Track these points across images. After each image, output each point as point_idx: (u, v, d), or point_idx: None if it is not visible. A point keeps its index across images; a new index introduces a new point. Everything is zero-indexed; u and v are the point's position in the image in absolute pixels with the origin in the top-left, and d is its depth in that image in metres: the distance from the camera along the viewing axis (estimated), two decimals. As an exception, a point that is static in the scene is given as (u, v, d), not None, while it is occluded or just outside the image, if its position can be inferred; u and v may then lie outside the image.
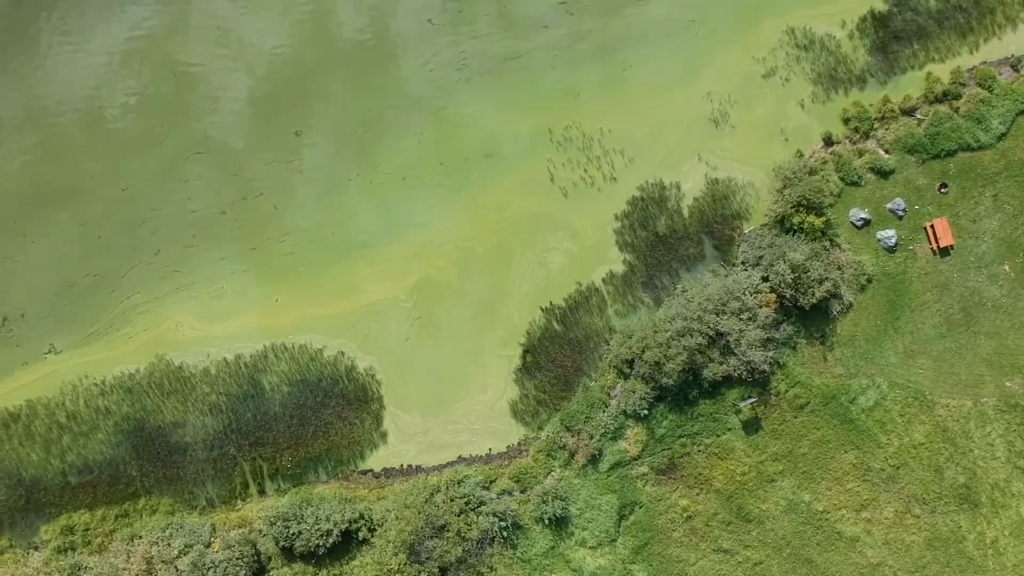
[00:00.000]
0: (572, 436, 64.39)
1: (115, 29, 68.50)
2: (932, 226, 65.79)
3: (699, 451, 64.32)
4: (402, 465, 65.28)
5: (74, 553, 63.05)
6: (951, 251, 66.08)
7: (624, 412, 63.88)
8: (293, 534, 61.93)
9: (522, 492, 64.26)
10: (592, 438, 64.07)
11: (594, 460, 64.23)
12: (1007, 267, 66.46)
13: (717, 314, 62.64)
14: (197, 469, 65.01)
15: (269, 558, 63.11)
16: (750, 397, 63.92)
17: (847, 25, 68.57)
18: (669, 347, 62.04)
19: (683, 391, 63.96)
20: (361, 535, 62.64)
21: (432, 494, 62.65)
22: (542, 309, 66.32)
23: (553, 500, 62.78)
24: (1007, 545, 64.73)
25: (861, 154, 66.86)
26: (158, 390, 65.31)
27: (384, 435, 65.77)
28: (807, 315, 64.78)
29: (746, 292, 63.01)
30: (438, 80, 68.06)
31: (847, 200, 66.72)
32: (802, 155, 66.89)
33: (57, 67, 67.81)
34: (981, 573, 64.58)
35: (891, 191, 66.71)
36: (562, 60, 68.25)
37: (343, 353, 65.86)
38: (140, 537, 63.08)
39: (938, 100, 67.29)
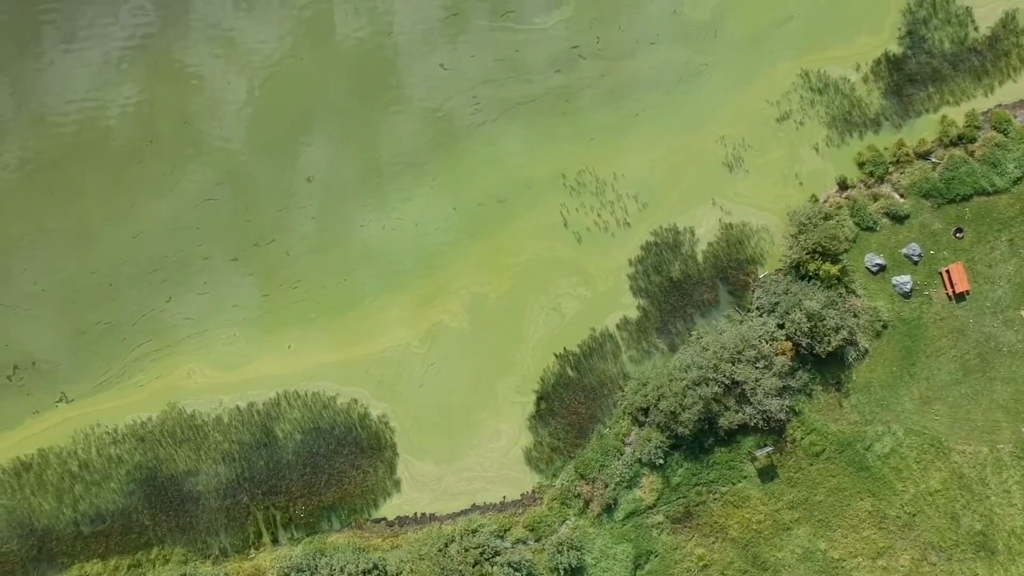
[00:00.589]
0: (587, 484, 65.22)
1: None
2: (948, 271, 66.66)
3: (715, 499, 65.15)
4: (416, 513, 66.13)
5: (87, 604, 64.11)
6: (967, 296, 66.97)
7: (639, 460, 64.72)
8: (307, 585, 62.87)
9: (537, 541, 65.10)
10: (607, 486, 64.91)
11: (609, 509, 65.06)
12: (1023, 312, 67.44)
13: (733, 362, 63.48)
14: (210, 518, 65.86)
15: (283, 608, 64.09)
16: (766, 446, 64.76)
17: (861, 68, 69.51)
18: (685, 396, 62.91)
19: (698, 439, 64.82)
20: (376, 586, 63.66)
21: (446, 544, 63.47)
22: (556, 355, 67.19)
23: (568, 550, 63.59)
24: (1024, 592, 65.78)
25: (876, 198, 67.75)
26: (170, 438, 66.17)
27: (397, 483, 66.62)
28: (822, 361, 65.63)
29: (762, 340, 63.87)
30: (450, 125, 68.96)
31: (862, 245, 67.59)
32: (817, 200, 67.83)
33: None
34: (998, 620, 65.66)
35: (906, 236, 67.60)
36: (575, 104, 69.16)
37: (356, 400, 66.72)
38: (153, 588, 64.16)
39: (953, 144, 68.19)
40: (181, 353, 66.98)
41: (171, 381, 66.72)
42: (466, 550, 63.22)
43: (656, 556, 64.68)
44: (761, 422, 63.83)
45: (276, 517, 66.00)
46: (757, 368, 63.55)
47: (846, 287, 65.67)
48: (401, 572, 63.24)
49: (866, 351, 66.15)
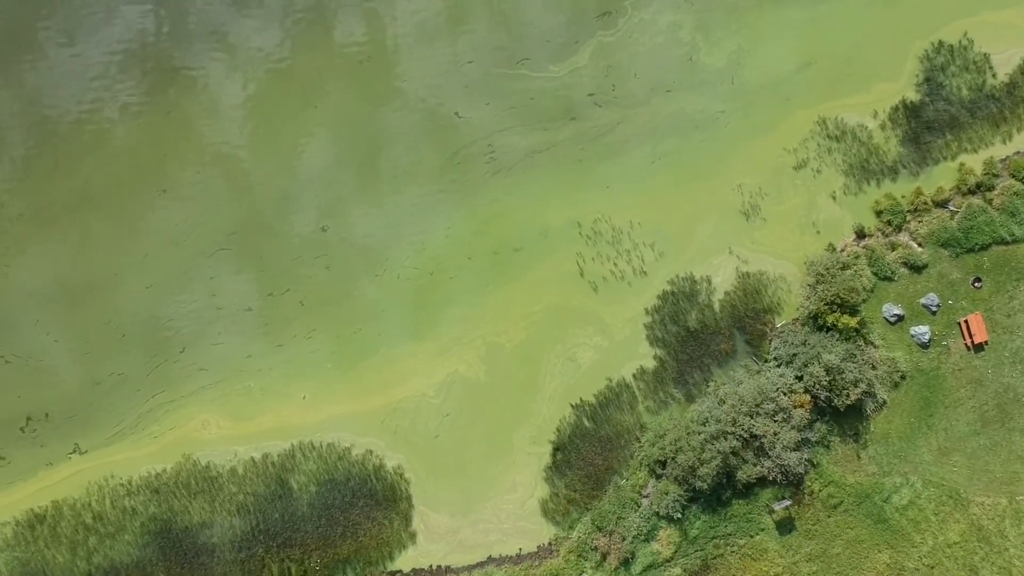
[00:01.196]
0: (604, 537, 66.12)
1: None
2: (966, 321, 67.55)
3: (732, 552, 66.07)
4: (431, 566, 67.01)
5: (103, 660, 64.93)
6: (985, 347, 67.85)
7: (657, 513, 65.61)
8: (324, 641, 63.84)
9: (554, 595, 66.17)
10: (624, 539, 65.82)
11: (627, 562, 65.96)
12: (1042, 362, 68.35)
13: (751, 416, 64.38)
14: (225, 570, 66.66)
15: (300, 664, 65.14)
16: (784, 499, 65.66)
17: (879, 115, 70.38)
18: (703, 451, 63.80)
19: (716, 492, 65.72)
20: (392, 641, 64.65)
21: (463, 597, 64.48)
22: (572, 405, 68.11)
23: (586, 604, 64.68)
24: (1043, 644, 66.69)
25: (894, 247, 68.61)
26: (185, 490, 67.04)
27: (413, 535, 67.49)
28: (840, 413, 66.50)
29: (780, 392, 64.74)
30: (466, 173, 69.82)
31: (880, 295, 68.48)
32: (834, 248, 68.66)
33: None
34: (1017, 672, 66.57)
35: (924, 286, 68.47)
36: (591, 152, 70.03)
37: (371, 451, 67.60)
38: (169, 643, 65.04)
39: (971, 192, 69.06)
40: (195, 404, 67.87)
41: (186, 432, 67.63)
42: (483, 604, 64.31)
43: (674, 609, 65.79)
44: (779, 476, 64.75)
45: (291, 569, 66.86)
46: (775, 421, 64.46)
47: (864, 339, 66.52)
48: (418, 627, 64.29)
49: (884, 402, 67.03)
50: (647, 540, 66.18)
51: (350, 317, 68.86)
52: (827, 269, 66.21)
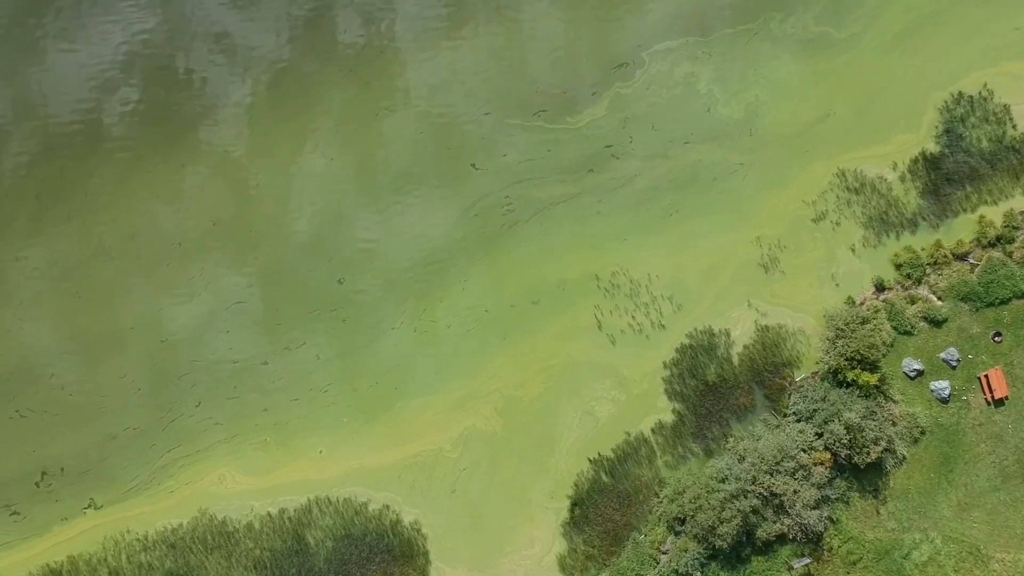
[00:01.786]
0: (623, 593, 67.09)
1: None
2: (986, 376, 68.42)
3: (752, 609, 67.11)
4: (450, 622, 68.11)
5: None
6: (1006, 402, 68.72)
7: (676, 571, 66.45)
8: None
9: (573, 651, 67.10)
10: (643, 596, 66.84)
11: (646, 619, 67.05)
12: (1062, 417, 69.22)
13: (771, 474, 65.24)
14: (242, 626, 67.83)
15: None
16: (804, 556, 66.53)
17: (898, 167, 71.29)
18: (723, 510, 64.69)
19: (736, 549, 66.50)
20: None
21: (482, 655, 65.36)
22: (590, 460, 68.90)
23: (605, 662, 65.52)
24: None
25: (913, 301, 69.51)
26: (201, 545, 67.85)
27: (431, 591, 68.71)
28: (860, 469, 67.30)
29: (800, 450, 65.61)
30: (483, 226, 70.83)
31: (900, 350, 69.35)
32: (853, 302, 69.55)
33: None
34: None
35: (944, 340, 69.37)
36: (608, 204, 71.01)
37: (388, 507, 68.39)
38: None
39: (991, 245, 69.91)
40: (211, 458, 68.77)
41: (202, 487, 68.48)
42: (502, 663, 65.18)
43: (693, 667, 66.63)
44: (799, 533, 65.61)
45: (309, 625, 68.05)
46: (795, 479, 65.32)
47: (884, 394, 67.39)
48: None
49: (904, 458, 67.88)
50: (666, 597, 67.30)
51: (367, 370, 69.78)
52: (847, 324, 67.07)
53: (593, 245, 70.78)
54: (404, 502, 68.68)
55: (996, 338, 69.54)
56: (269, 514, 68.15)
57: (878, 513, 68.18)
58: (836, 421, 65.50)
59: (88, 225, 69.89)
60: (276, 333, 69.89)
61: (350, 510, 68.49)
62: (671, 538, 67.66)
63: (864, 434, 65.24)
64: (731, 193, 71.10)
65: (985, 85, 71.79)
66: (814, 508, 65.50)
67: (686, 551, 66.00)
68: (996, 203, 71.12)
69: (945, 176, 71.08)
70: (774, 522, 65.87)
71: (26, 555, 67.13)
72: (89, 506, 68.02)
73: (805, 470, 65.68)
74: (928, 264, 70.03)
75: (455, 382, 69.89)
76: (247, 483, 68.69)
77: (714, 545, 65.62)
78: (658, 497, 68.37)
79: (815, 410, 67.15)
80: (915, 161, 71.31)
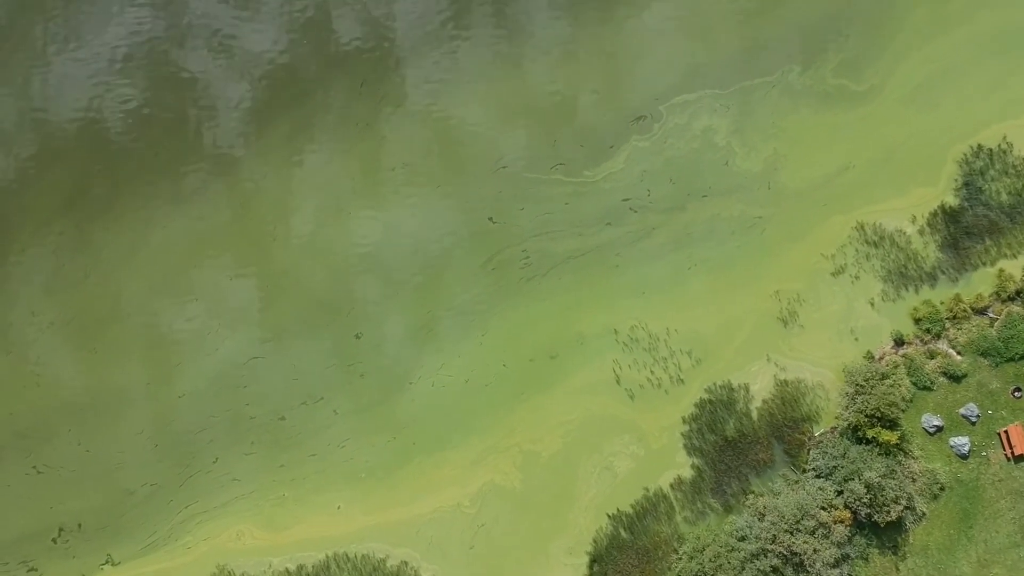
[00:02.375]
0: (642, 650, 68.17)
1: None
2: (1006, 432, 69.53)
3: (772, 667, 68.12)
4: None
5: None
6: (1026, 457, 70.05)
7: (696, 629, 67.71)
8: None
9: None
10: (663, 653, 67.91)
11: (665, 677, 68.14)
12: (1082, 473, 70.32)
13: (791, 532, 66.30)
14: None
15: None
16: (824, 614, 67.76)
17: (917, 220, 72.41)
18: (743, 570, 65.81)
19: (755, 607, 67.87)
20: None
21: None
22: (609, 516, 69.99)
23: None
24: None
25: (933, 356, 70.59)
26: (219, 602, 69.24)
27: (449, 648, 69.71)
28: (880, 526, 68.38)
29: (819, 508, 66.65)
30: (501, 279, 71.94)
31: (919, 405, 70.43)
32: (872, 357, 70.62)
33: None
34: None
35: (964, 395, 70.46)
36: (626, 258, 72.08)
37: (406, 563, 69.42)
38: None
39: (1011, 299, 71.03)
40: (229, 514, 69.89)
41: (219, 543, 69.56)
42: None
43: None
44: (819, 592, 66.93)
45: None
46: (815, 537, 66.38)
47: (904, 452, 68.45)
48: None
49: (923, 514, 68.97)
50: (686, 655, 68.36)
51: (384, 425, 70.89)
52: (866, 380, 68.15)
53: (611, 299, 71.94)
54: (422, 558, 69.78)
55: (1016, 393, 70.62)
56: (287, 570, 69.22)
57: (897, 570, 69.26)
58: (856, 480, 66.60)
59: (105, 281, 71.09)
60: (293, 388, 71.01)
61: (368, 566, 69.56)
62: (690, 595, 68.93)
63: (884, 493, 66.33)
64: (750, 247, 72.26)
65: (1004, 137, 72.98)
66: (834, 567, 66.62)
67: (706, 609, 67.27)
68: (1016, 256, 72.23)
69: (964, 229, 72.21)
70: (794, 580, 67.27)
71: (44, 611, 68.72)
72: (107, 562, 69.15)
73: (825, 528, 66.75)
74: (947, 318, 71.16)
75: (473, 437, 71.05)
76: (265, 539, 69.79)
77: (734, 604, 66.95)
78: (677, 554, 69.40)
79: (835, 467, 68.23)
80: (934, 214, 72.49)
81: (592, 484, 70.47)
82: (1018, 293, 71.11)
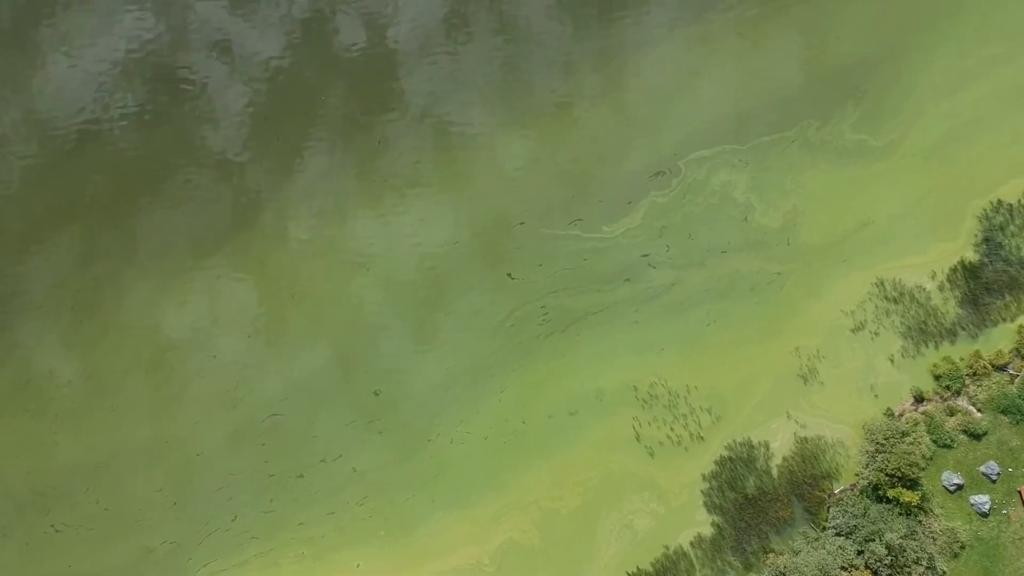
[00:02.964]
0: None
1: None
2: (1027, 490, 70.76)
3: None
4: None
5: None
6: (1046, 515, 71.03)
7: None
8: None
9: None
10: None
11: None
12: (1103, 531, 71.32)
13: (812, 593, 67.46)
14: None
15: None
16: (845, 675, 68.82)
17: (937, 276, 73.69)
18: (764, 631, 66.97)
19: (776, 667, 68.97)
20: None
21: None
22: (629, 574, 70.83)
23: None
24: None
25: (952, 413, 71.69)
26: (238, 660, 70.28)
27: None
28: (900, 584, 69.75)
29: (840, 567, 67.67)
30: (519, 336, 73.22)
31: (939, 463, 71.54)
32: (892, 413, 71.74)
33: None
34: None
35: (984, 453, 71.56)
36: (645, 314, 73.35)
37: (425, 621, 70.76)
38: None
39: (1031, 355, 72.39)
40: (248, 573, 70.82)
41: (239, 601, 71.01)
42: None
43: None
44: (840, 652, 67.98)
45: None
46: (836, 597, 67.59)
47: (924, 510, 69.49)
48: None
49: (944, 573, 69.93)
50: None
51: (403, 483, 72.01)
52: (886, 438, 69.21)
53: (630, 355, 73.18)
54: (443, 617, 71.15)
55: (1036, 451, 71.88)
56: (307, 628, 70.66)
57: (918, 628, 70.52)
58: (877, 541, 67.66)
59: (123, 339, 72.41)
60: (312, 445, 72.23)
61: (387, 624, 70.96)
62: (711, 654, 69.94)
63: (905, 555, 67.42)
64: (769, 303, 73.55)
65: (1024, 193, 74.55)
66: (855, 627, 67.86)
67: (727, 669, 68.30)
68: (1036, 312, 73.84)
69: (984, 285, 73.44)
70: (815, 641, 68.26)
71: (62, 671, 69.80)
72: (126, 621, 70.50)
73: (846, 588, 68.04)
74: (967, 375, 72.29)
75: (492, 494, 72.12)
76: (285, 597, 71.26)
77: (755, 665, 68.01)
78: (697, 612, 70.72)
79: (855, 525, 69.28)
80: (954, 270, 73.79)
81: (612, 542, 71.48)
82: (1038, 349, 72.59)
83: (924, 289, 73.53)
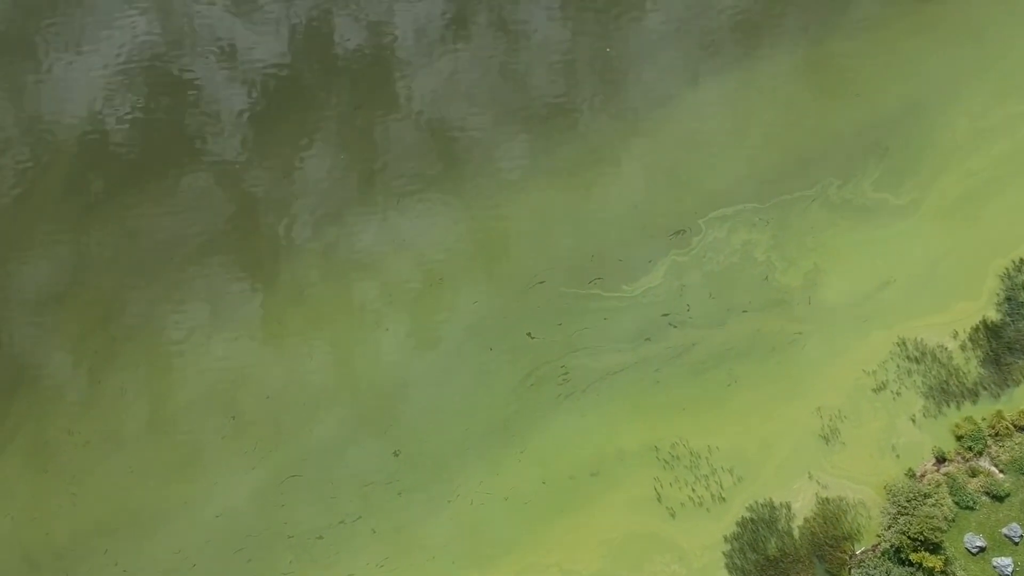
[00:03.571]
0: None
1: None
2: (1050, 552, 71.67)
3: None
4: None
5: None
6: (1069, 577, 71.97)
7: None
8: None
9: None
10: None
11: None
12: None
13: (835, 658, 68.40)
14: None
15: None
16: None
17: (959, 335, 74.81)
18: None
19: None
20: None
21: None
22: (649, 638, 72.22)
23: None
24: None
25: (975, 474, 72.69)
26: None
27: None
28: (923, 648, 70.79)
29: (863, 633, 68.83)
30: (539, 396, 74.25)
31: (962, 525, 72.48)
32: (913, 474, 72.72)
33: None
34: None
35: (1007, 515, 72.52)
36: (666, 374, 74.42)
37: None
38: None
39: (1054, 416, 73.36)
40: (268, 635, 72.12)
41: (258, 664, 71.86)
42: None
43: None
44: None
45: None
46: (859, 663, 68.50)
47: (947, 574, 70.39)
48: None
49: (967, 637, 71.20)
50: None
51: (424, 544, 72.73)
52: (909, 500, 70.21)
53: (652, 415, 74.17)
54: None
55: (1059, 512, 72.83)
56: None
57: None
58: (901, 607, 68.77)
59: (141, 399, 73.31)
60: (331, 506, 73.05)
61: None
62: None
63: (929, 621, 68.57)
64: (790, 363, 74.60)
65: (1046, 251, 75.69)
66: None
67: None
68: (1058, 372, 74.89)
69: (1006, 344, 74.53)
70: None
71: None
72: None
73: (869, 654, 68.94)
74: (989, 435, 73.33)
75: (512, 555, 72.75)
76: (300, 666, 72.17)
77: None
78: (719, 677, 71.56)
79: (877, 589, 70.43)
80: (976, 329, 74.93)
81: (633, 604, 72.72)
82: (1061, 410, 73.55)
83: (946, 348, 74.63)
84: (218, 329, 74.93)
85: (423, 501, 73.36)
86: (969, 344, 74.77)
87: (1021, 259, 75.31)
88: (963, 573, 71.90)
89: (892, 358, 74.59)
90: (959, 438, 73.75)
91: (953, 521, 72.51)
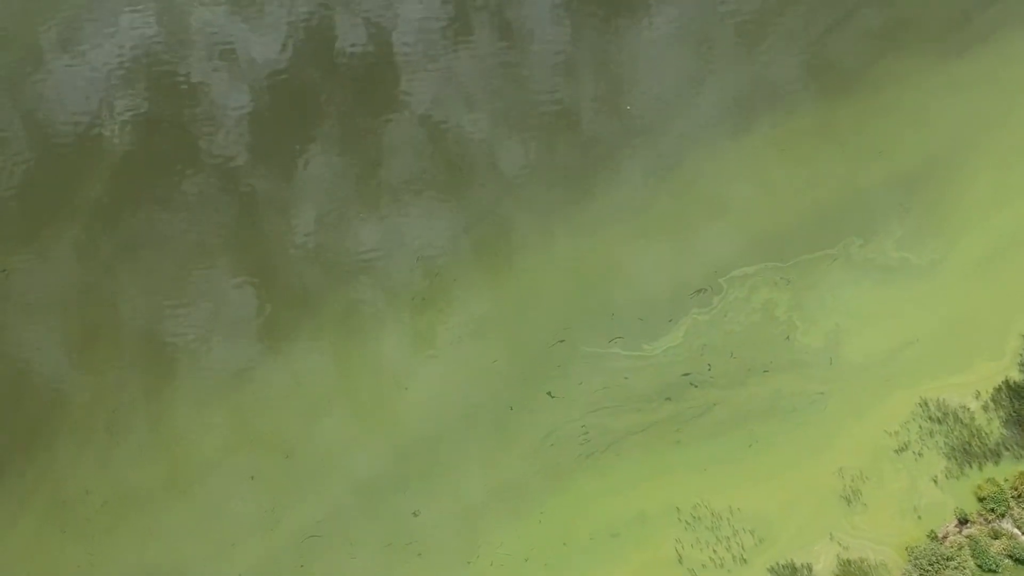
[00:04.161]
0: None
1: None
2: (1073, 615, 72.39)
3: None
4: None
5: None
6: (1092, 642, 72.72)
7: None
8: None
9: None
10: None
11: None
12: None
13: None
14: None
15: None
16: None
17: (981, 396, 75.39)
18: None
19: None
20: None
21: None
22: None
23: None
24: None
25: (997, 535, 73.39)
26: None
27: None
28: None
29: None
30: (559, 456, 74.96)
31: (985, 588, 73.52)
32: (936, 535, 73.41)
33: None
34: None
35: (1030, 577, 73.47)
36: (687, 434, 75.12)
37: None
38: None
39: (1076, 477, 73.97)
40: None
41: None
42: None
43: None
44: None
45: None
46: None
47: (971, 640, 71.66)
48: None
49: None
50: None
51: (443, 607, 74.04)
52: (931, 564, 70.97)
53: (673, 476, 74.81)
54: None
55: (1082, 575, 73.59)
56: None
57: None
58: (924, 673, 69.59)
59: (160, 460, 74.14)
60: (350, 567, 73.70)
61: None
62: None
63: None
64: (812, 423, 75.21)
65: (1068, 302, 76.39)
66: None
67: None
68: (1079, 439, 75.68)
69: (1029, 405, 75.44)
70: None
71: None
72: None
73: None
74: (1012, 497, 73.92)
75: (533, 617, 74.12)
76: None
77: None
78: None
79: (900, 654, 71.21)
80: (998, 389, 75.39)
81: (655, 666, 73.57)
82: (1084, 471, 74.21)
83: (968, 409, 75.27)
84: (237, 391, 76.03)
85: (443, 562, 73.86)
86: (991, 404, 75.30)
87: (1044, 319, 76.48)
88: (986, 636, 73.08)
89: (914, 419, 75.16)
90: (981, 499, 74.42)
91: (976, 585, 73.67)
